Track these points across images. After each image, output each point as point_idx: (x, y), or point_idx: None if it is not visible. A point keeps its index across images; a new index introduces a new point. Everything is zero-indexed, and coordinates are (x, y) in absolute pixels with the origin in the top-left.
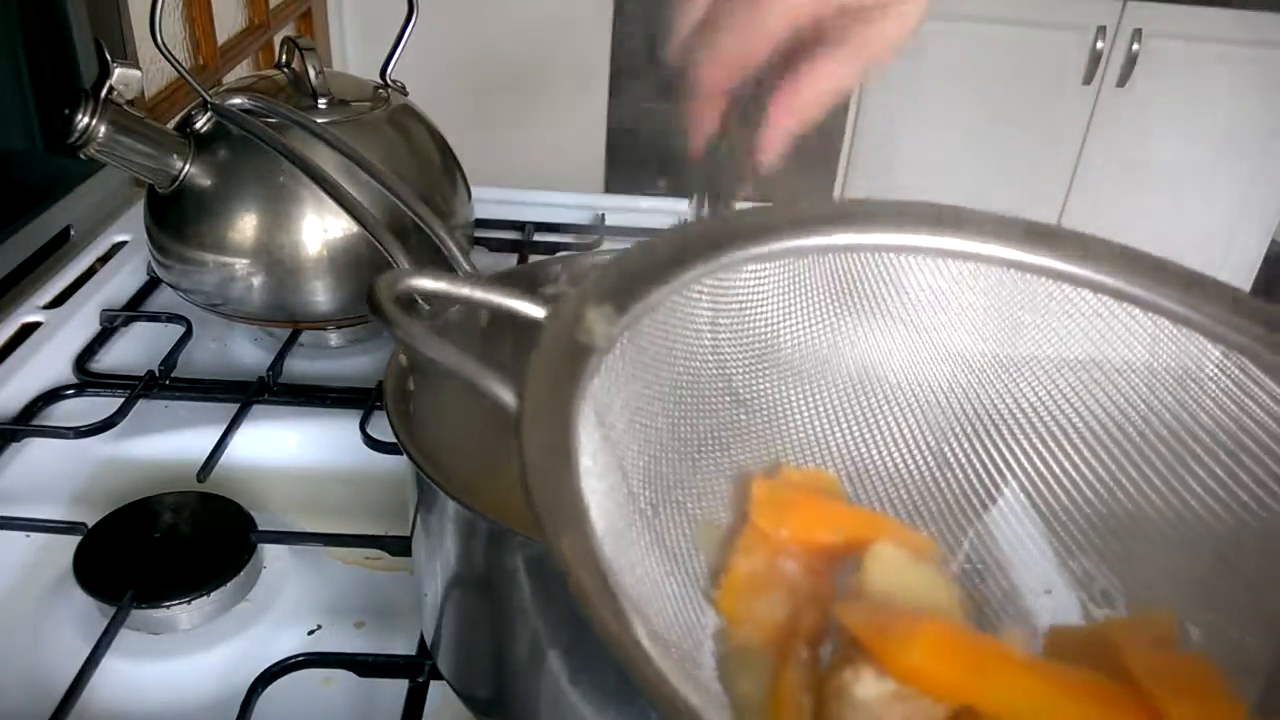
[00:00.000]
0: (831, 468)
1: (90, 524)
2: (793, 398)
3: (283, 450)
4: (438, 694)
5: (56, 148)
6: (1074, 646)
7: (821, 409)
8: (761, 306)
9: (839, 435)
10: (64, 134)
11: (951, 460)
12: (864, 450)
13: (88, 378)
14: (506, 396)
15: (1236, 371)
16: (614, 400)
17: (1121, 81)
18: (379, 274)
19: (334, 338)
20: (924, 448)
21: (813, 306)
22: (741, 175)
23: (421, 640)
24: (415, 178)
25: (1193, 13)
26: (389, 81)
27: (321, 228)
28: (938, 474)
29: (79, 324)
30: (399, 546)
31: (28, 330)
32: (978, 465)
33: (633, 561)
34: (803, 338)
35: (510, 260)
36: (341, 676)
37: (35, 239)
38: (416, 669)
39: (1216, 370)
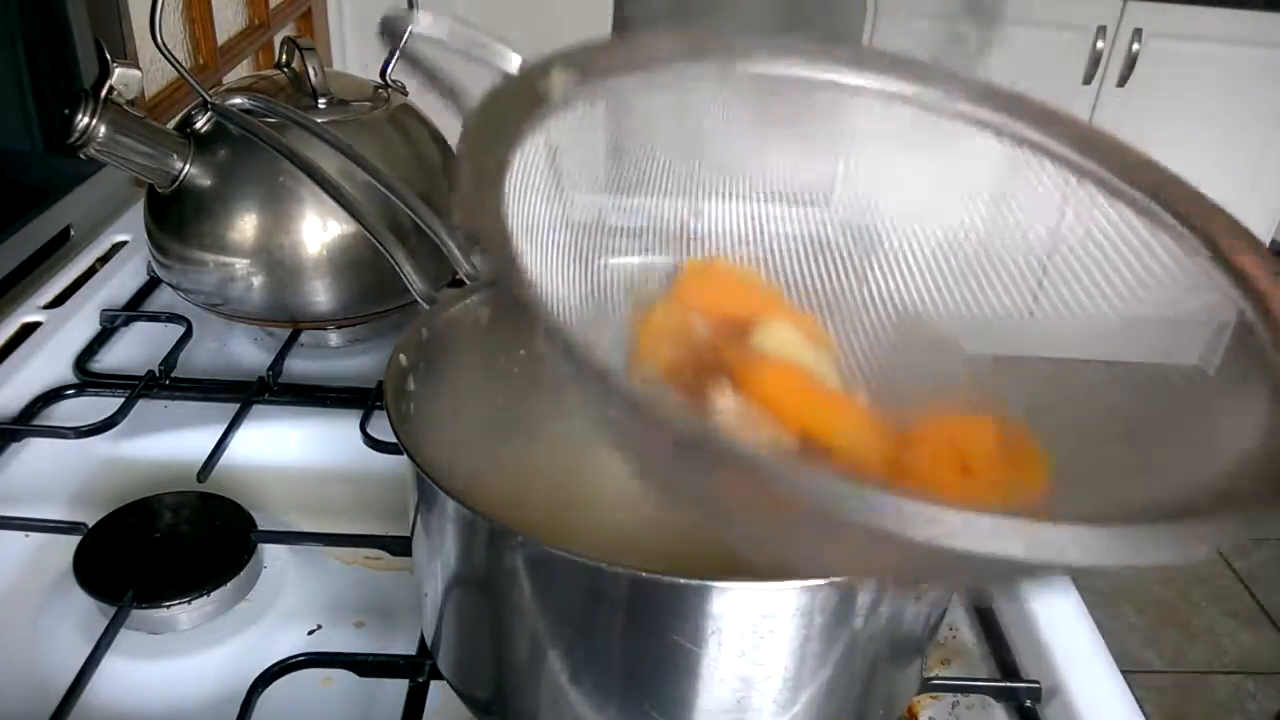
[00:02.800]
0: (756, 267)
1: (90, 524)
2: (730, 204)
3: (283, 450)
4: (438, 694)
5: (56, 148)
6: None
7: (752, 214)
8: (718, 122)
9: (762, 234)
10: (64, 134)
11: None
12: (778, 248)
13: (88, 378)
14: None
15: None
16: (569, 147)
17: (1121, 81)
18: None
19: (334, 338)
20: (813, 247)
21: (751, 123)
22: None
23: (421, 640)
24: (415, 178)
25: (1193, 13)
26: (389, 81)
27: (321, 228)
28: (835, 277)
29: (79, 324)
30: (399, 546)
31: (28, 330)
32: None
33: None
34: (738, 149)
35: None
36: (341, 676)
37: (35, 239)
38: (416, 669)
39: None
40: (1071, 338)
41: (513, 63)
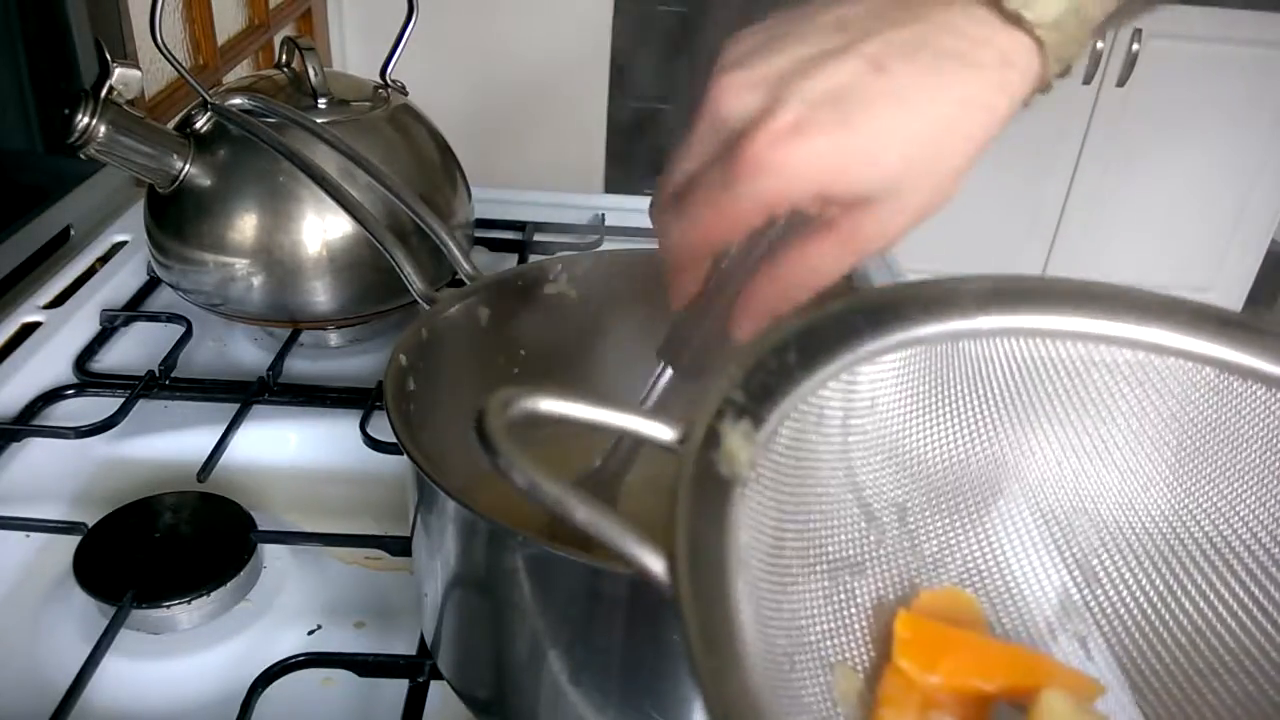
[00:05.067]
0: (970, 588)
1: (90, 524)
2: (926, 508)
3: (283, 450)
4: (438, 694)
5: (56, 148)
6: None
7: (958, 521)
8: (894, 403)
9: (978, 550)
10: (64, 134)
11: (1102, 579)
12: (1005, 567)
13: (88, 378)
14: (655, 566)
15: None
16: (752, 539)
17: (1121, 81)
18: (488, 396)
19: (334, 338)
20: (1071, 565)
21: (949, 401)
22: (716, 344)
23: (421, 640)
24: (415, 178)
25: (1193, 13)
26: (389, 81)
27: (321, 228)
28: (1084, 594)
29: (79, 324)
30: (399, 546)
31: (28, 330)
32: (1125, 588)
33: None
34: (938, 438)
35: (510, 260)
36: (341, 676)
37: (35, 239)
38: (416, 669)
39: None
40: None
41: (642, 426)
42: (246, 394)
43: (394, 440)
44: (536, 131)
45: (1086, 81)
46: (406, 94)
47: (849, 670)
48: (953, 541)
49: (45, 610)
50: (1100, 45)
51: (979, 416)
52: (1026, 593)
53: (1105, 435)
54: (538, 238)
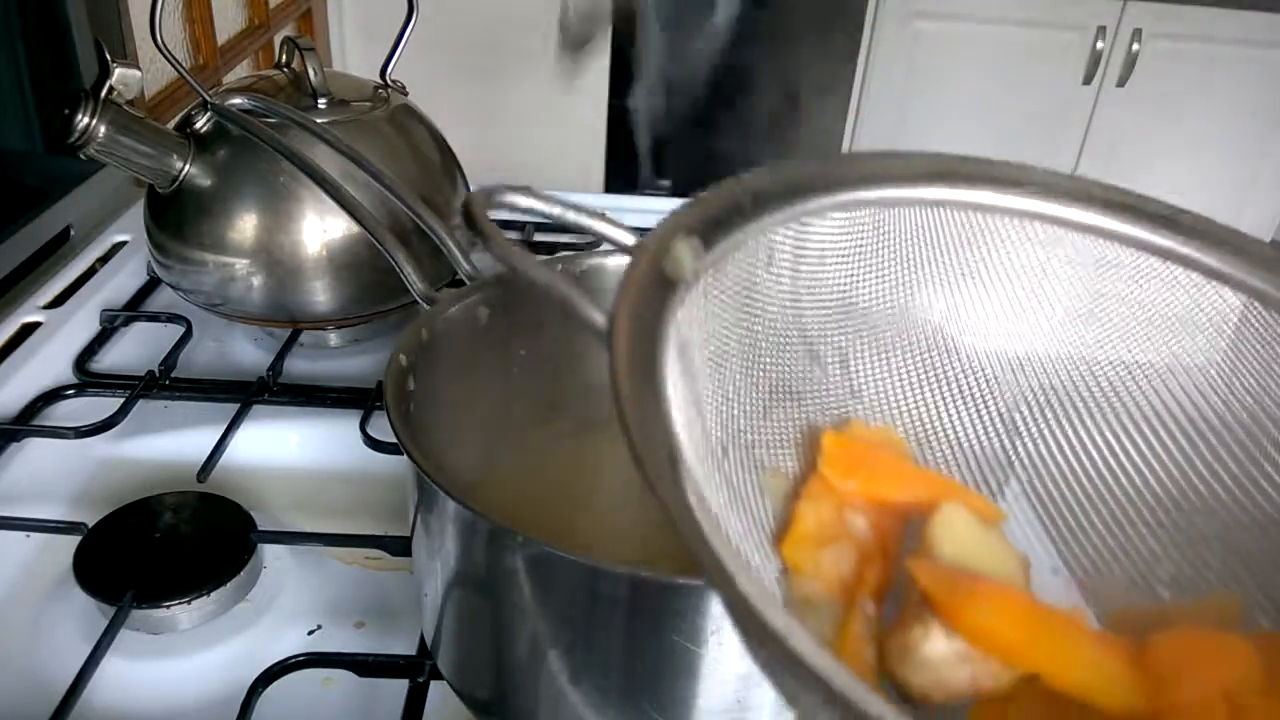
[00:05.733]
0: (900, 429)
1: (90, 524)
2: (866, 354)
3: (283, 450)
4: (438, 694)
5: (56, 148)
6: (1135, 628)
7: (895, 369)
8: (843, 257)
9: (910, 397)
10: (64, 134)
11: (1022, 431)
12: (934, 414)
13: (88, 378)
14: (597, 319)
15: None
16: (694, 334)
17: (1121, 81)
18: (472, 191)
19: (334, 338)
20: (994, 416)
21: (894, 262)
22: None
23: (421, 640)
24: (415, 178)
25: (1193, 13)
26: (389, 81)
27: (321, 228)
28: (1005, 443)
29: (79, 324)
30: (399, 546)
31: (28, 330)
32: (1045, 439)
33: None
34: (881, 293)
35: None
36: (341, 676)
37: (35, 239)
38: (416, 669)
39: None
40: None
41: (610, 230)
42: (246, 394)
43: (394, 440)
44: (536, 131)
45: (1086, 81)
46: (406, 94)
47: (778, 473)
48: (888, 388)
49: (45, 610)
50: (1100, 45)
51: (918, 275)
52: (952, 440)
53: (1026, 298)
54: (538, 238)
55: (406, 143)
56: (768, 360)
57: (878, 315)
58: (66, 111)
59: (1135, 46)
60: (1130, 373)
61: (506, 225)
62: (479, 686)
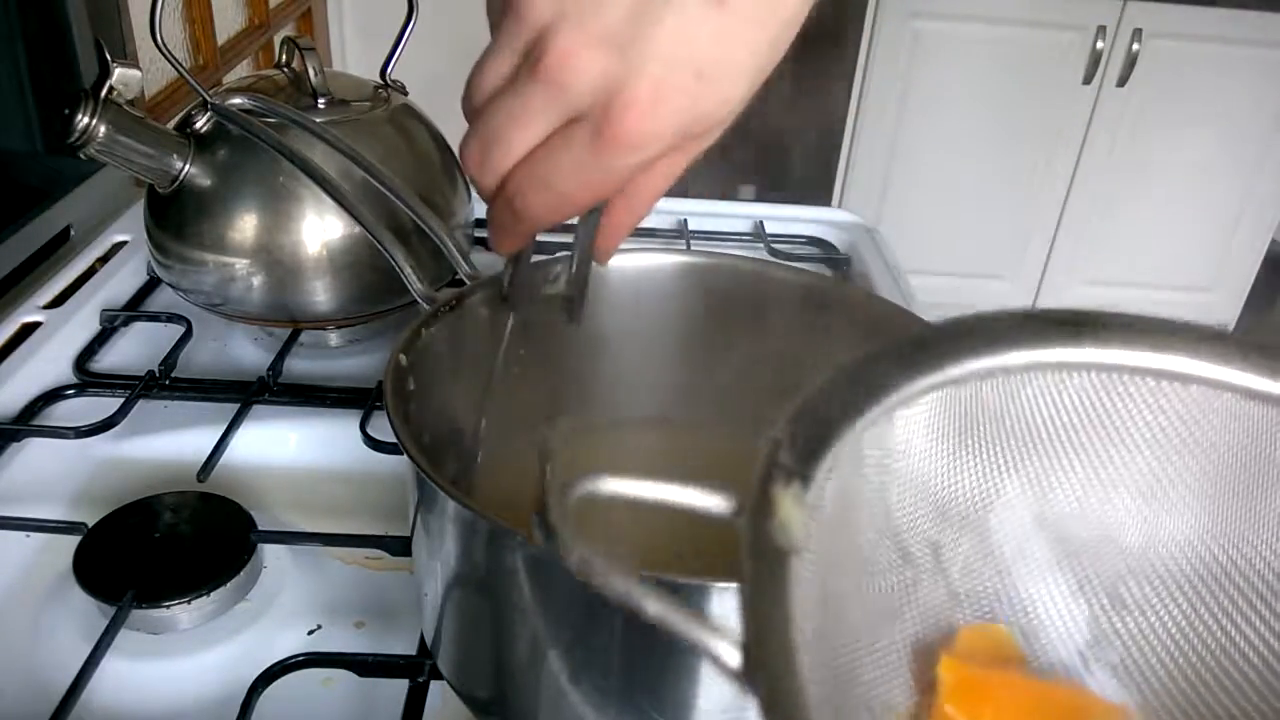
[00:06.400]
0: (1003, 622)
1: (90, 524)
2: (959, 545)
3: (283, 450)
4: (438, 694)
5: (56, 148)
6: None
7: (990, 555)
8: (926, 442)
9: (1008, 584)
10: (64, 134)
11: (1130, 606)
12: (1034, 600)
13: (88, 378)
14: (731, 661)
15: None
16: (807, 606)
17: (1121, 81)
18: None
19: (334, 338)
20: (1100, 595)
21: (978, 437)
22: (584, 266)
23: (421, 640)
24: (415, 178)
25: (1193, 13)
26: (389, 81)
27: (321, 228)
28: (1115, 623)
29: (79, 324)
30: (399, 546)
31: (28, 330)
32: (1174, 615)
33: None
34: (968, 475)
35: None
36: (341, 676)
37: (35, 239)
38: (416, 669)
39: None
40: None
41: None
42: (246, 394)
43: (394, 440)
44: None
45: (1086, 81)
46: (406, 94)
47: (895, 713)
48: (986, 577)
49: (45, 610)
50: (1100, 45)
51: (1006, 451)
52: (1059, 623)
53: (1128, 464)
54: (538, 238)
55: (406, 143)
56: (864, 585)
57: (964, 500)
58: (66, 111)
59: (1135, 46)
60: (1250, 543)
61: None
62: (479, 686)
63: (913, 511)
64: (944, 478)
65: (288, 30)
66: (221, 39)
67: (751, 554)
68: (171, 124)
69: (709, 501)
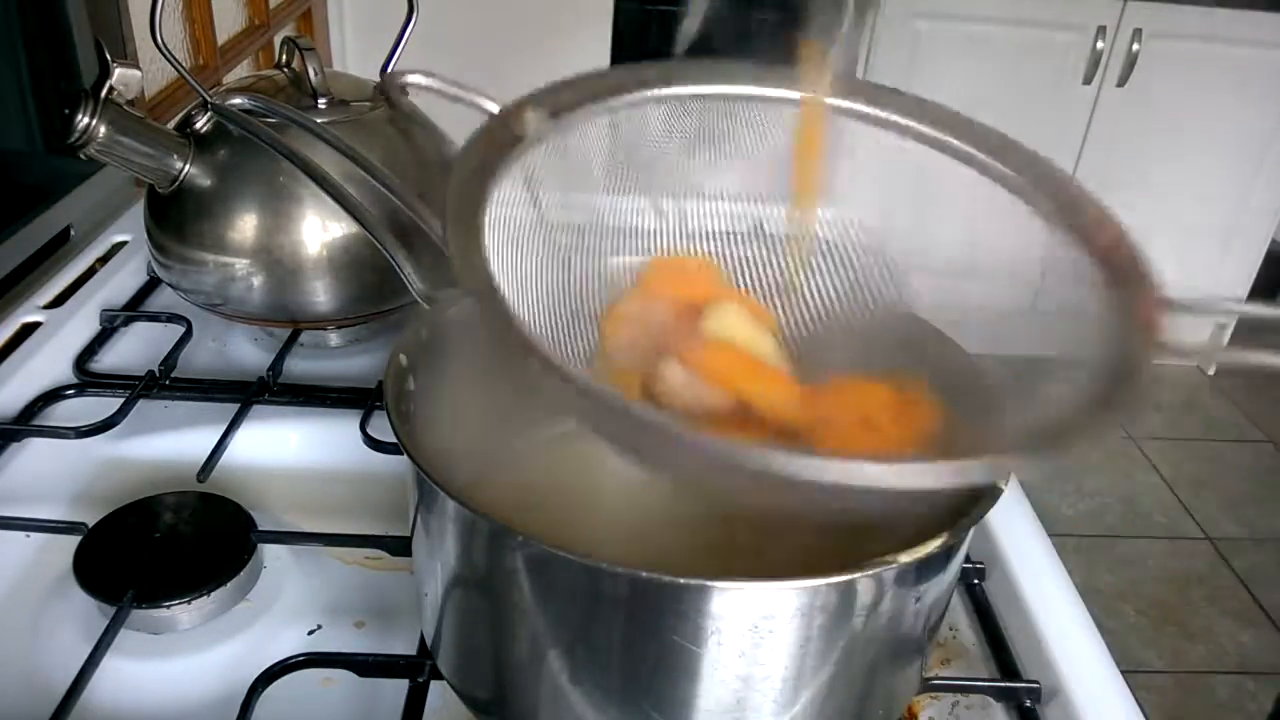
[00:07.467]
0: (721, 262)
1: (90, 524)
2: (687, 206)
3: (283, 450)
4: (438, 694)
5: (56, 148)
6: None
7: (698, 217)
8: (671, 138)
9: (729, 242)
10: (64, 134)
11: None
12: (742, 253)
13: (88, 378)
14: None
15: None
16: (545, 174)
17: (1121, 81)
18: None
19: (334, 338)
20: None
21: (687, 139)
22: None
23: (421, 640)
24: (415, 178)
25: (1193, 13)
26: (391, 92)
27: (321, 228)
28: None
29: (79, 324)
30: (399, 546)
31: (28, 330)
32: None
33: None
34: (683, 161)
35: None
36: (341, 676)
37: (35, 239)
38: (416, 669)
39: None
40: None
41: (492, 107)
42: (246, 394)
43: (394, 440)
44: None
45: (1086, 81)
46: (406, 94)
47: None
48: (712, 231)
49: (45, 610)
50: (1100, 45)
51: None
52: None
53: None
54: None
55: (406, 143)
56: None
57: (685, 178)
58: (66, 111)
59: (1135, 46)
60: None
61: None
62: (479, 686)
63: (649, 178)
64: (666, 159)
65: (288, 30)
66: (221, 39)
67: (489, 128)
68: (171, 124)
69: (483, 102)
